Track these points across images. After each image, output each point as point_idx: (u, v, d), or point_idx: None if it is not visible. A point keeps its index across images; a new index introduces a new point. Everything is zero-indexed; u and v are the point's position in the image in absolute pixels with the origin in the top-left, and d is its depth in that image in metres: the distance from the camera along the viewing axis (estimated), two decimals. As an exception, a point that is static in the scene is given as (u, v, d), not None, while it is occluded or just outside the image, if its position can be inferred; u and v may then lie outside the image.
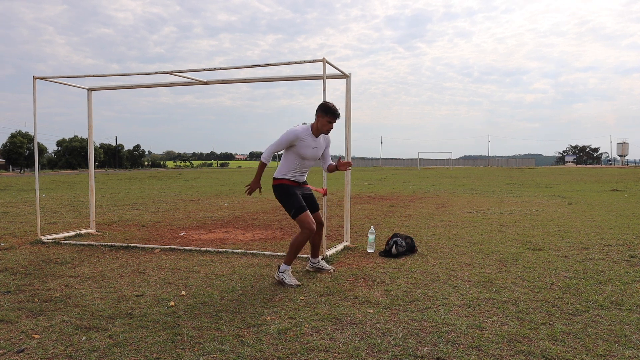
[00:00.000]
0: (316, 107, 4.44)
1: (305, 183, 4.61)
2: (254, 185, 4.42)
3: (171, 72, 6.23)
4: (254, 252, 5.75)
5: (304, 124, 4.51)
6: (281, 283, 4.25)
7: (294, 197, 4.34)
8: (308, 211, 4.33)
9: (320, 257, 4.83)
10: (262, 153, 4.42)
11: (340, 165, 4.50)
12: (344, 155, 6.34)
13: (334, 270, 4.71)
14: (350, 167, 4.64)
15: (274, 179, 4.47)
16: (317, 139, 4.48)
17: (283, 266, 4.32)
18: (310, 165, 4.57)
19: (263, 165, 4.37)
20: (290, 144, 4.36)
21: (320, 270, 4.71)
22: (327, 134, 4.53)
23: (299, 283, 4.26)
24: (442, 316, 3.42)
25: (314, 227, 4.29)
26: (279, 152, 4.56)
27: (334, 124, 4.45)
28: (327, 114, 4.37)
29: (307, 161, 4.46)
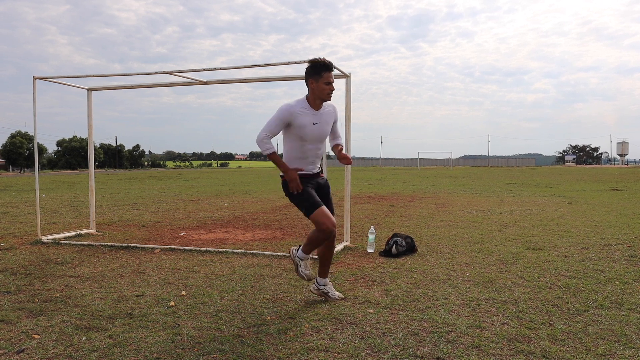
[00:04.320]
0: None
1: (320, 173, 3.83)
2: (292, 175, 3.57)
3: (171, 72, 6.23)
4: (254, 252, 5.75)
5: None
6: (295, 266, 3.79)
7: (304, 192, 3.61)
8: (324, 207, 3.60)
9: (329, 279, 3.94)
10: (262, 154, 3.69)
11: (341, 157, 3.74)
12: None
13: (343, 298, 3.88)
14: (348, 163, 3.88)
15: (281, 176, 3.73)
16: (319, 112, 3.63)
17: (301, 253, 3.75)
18: (319, 149, 3.73)
19: (273, 155, 3.59)
20: (285, 123, 3.54)
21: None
22: (329, 99, 3.65)
23: (313, 277, 3.82)
24: (442, 316, 3.42)
25: (333, 227, 3.59)
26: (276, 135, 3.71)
27: (334, 83, 3.62)
28: (320, 72, 3.53)
29: (309, 143, 3.63)
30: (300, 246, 3.81)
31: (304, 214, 3.66)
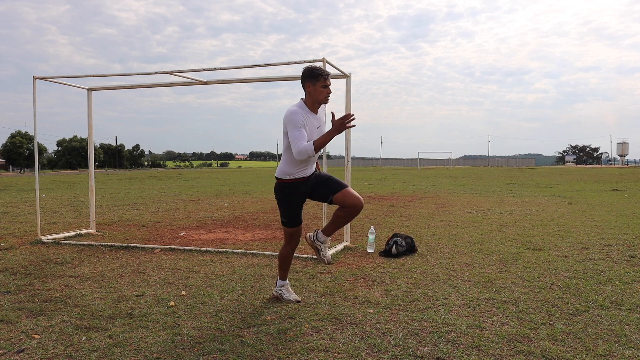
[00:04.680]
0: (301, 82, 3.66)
1: (313, 173, 3.79)
2: (336, 126, 3.40)
3: (171, 72, 6.23)
4: (254, 252, 5.75)
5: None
6: (279, 298, 3.86)
7: (292, 210, 3.73)
8: (300, 227, 3.81)
9: (328, 243, 3.91)
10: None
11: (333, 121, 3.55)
12: (343, 155, 6.15)
13: (330, 263, 3.94)
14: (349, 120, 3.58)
15: (277, 178, 3.73)
16: (318, 115, 3.68)
17: (279, 281, 3.91)
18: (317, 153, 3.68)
19: (315, 142, 3.42)
20: (304, 125, 3.52)
21: (317, 251, 3.82)
22: (326, 102, 3.66)
23: (299, 299, 3.84)
24: (442, 316, 3.42)
25: (297, 243, 3.86)
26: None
27: (331, 86, 3.64)
28: (317, 78, 3.55)
29: None
30: (277, 281, 3.96)
31: (281, 221, 3.82)
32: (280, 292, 3.88)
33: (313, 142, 3.44)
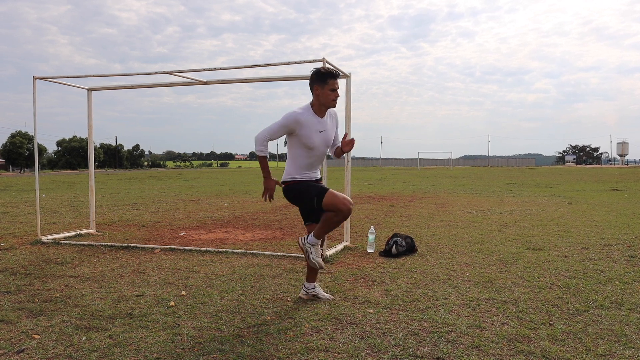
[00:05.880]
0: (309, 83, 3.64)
1: (319, 180, 3.82)
2: (269, 184, 3.63)
3: (171, 72, 6.23)
4: (254, 252, 5.75)
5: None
6: (306, 255, 3.70)
7: (307, 188, 3.59)
8: (331, 189, 3.53)
9: (317, 283, 3.98)
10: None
11: (344, 145, 3.75)
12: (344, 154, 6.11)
13: (332, 298, 3.87)
14: (352, 146, 3.84)
15: (284, 182, 3.72)
16: (324, 119, 3.64)
17: (312, 238, 3.66)
18: (322, 157, 3.75)
19: (263, 159, 3.61)
20: (289, 131, 3.54)
21: (316, 298, 3.86)
22: (333, 105, 3.65)
23: (324, 266, 3.73)
24: (442, 316, 3.42)
25: (350, 204, 3.49)
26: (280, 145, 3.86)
27: (338, 90, 3.64)
28: (326, 80, 3.54)
29: (316, 151, 3.63)
30: (308, 235, 3.73)
31: (314, 207, 3.57)
32: (309, 249, 3.68)
33: (264, 156, 3.62)
